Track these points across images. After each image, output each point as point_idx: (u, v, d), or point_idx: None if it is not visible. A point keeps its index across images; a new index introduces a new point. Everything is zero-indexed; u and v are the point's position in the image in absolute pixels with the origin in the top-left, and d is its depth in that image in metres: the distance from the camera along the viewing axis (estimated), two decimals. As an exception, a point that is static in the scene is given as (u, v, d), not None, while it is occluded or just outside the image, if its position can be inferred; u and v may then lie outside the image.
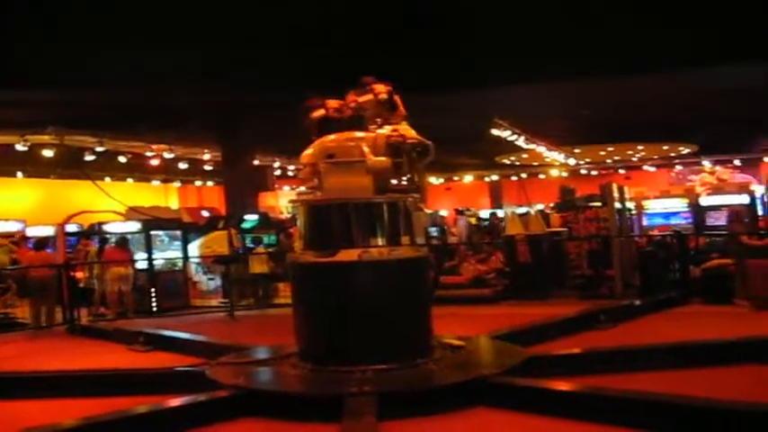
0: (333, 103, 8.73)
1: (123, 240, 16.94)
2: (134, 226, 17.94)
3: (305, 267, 8.21)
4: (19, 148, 22.81)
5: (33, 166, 27.58)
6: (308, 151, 8.47)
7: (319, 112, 8.72)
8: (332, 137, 8.30)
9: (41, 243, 16.23)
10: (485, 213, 33.50)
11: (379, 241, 8.15)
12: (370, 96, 8.66)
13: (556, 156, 36.41)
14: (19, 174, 29.30)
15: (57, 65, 15.83)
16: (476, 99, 21.49)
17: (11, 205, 28.83)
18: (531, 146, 31.29)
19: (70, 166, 26.03)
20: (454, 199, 41.94)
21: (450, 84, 17.56)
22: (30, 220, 26.45)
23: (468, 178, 44.15)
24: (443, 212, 32.47)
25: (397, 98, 8.77)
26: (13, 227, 25.70)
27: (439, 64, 16.28)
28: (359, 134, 8.29)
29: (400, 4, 15.48)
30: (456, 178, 43.84)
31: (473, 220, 28.86)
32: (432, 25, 15.91)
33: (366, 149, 8.07)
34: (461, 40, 16.20)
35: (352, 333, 7.81)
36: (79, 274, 16.50)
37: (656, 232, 18.75)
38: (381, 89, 8.67)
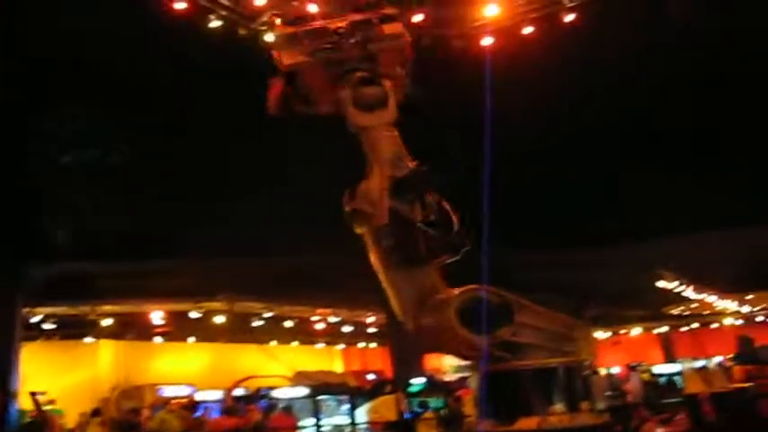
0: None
1: (289, 407, 17.05)
2: (301, 391, 18.09)
3: (480, 438, 7.88)
4: (193, 315, 23.73)
5: (204, 331, 28.56)
6: None
7: None
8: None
9: (229, 411, 16.51)
10: (658, 368, 31.76)
11: (559, 408, 7.74)
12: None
13: (727, 304, 34.53)
14: (190, 339, 30.40)
15: (227, 237, 16.69)
16: (640, 251, 20.92)
17: (181, 370, 29.83)
18: (701, 295, 29.89)
19: (239, 331, 26.86)
20: (624, 353, 40.10)
21: (614, 238, 17.24)
22: (199, 384, 27.22)
23: (637, 331, 42.27)
24: (615, 369, 31.09)
25: None
26: (182, 391, 26.46)
27: (603, 219, 16.08)
28: None
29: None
30: (623, 331, 42.08)
31: (646, 376, 27.38)
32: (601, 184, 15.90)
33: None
34: (625, 193, 16.05)
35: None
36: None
37: None
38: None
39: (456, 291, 6.52)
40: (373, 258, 6.53)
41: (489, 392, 8.08)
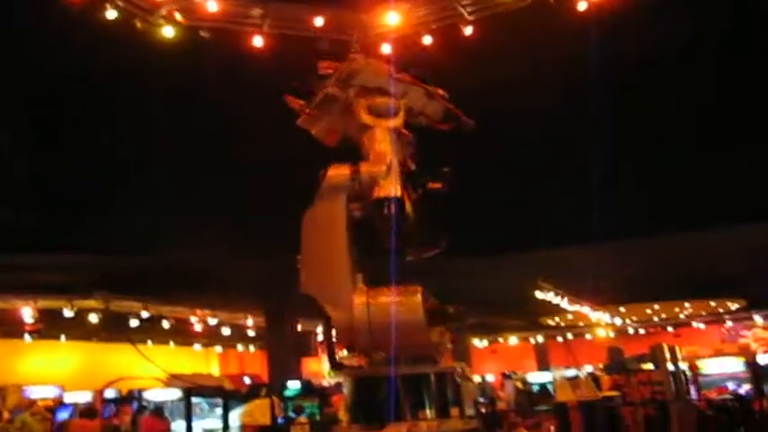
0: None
1: (160, 409, 16.58)
2: (174, 393, 17.63)
3: (351, 443, 7.82)
4: (67, 313, 22.80)
5: (77, 329, 27.53)
6: None
7: None
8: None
9: (90, 412, 15.74)
10: (532, 377, 32.62)
11: (428, 414, 7.76)
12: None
13: (601, 316, 35.79)
14: (62, 337, 29.29)
15: (102, 231, 16.17)
16: (519, 262, 21.41)
17: (49, 370, 28.65)
18: (576, 307, 30.86)
19: (114, 330, 26.01)
20: (500, 362, 40.97)
21: (494, 248, 17.54)
22: (68, 385, 26.13)
23: (514, 340, 43.24)
24: (490, 377, 31.71)
25: None
26: (50, 392, 25.27)
27: (483, 228, 16.31)
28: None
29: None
30: (501, 340, 43.01)
31: (520, 384, 28.06)
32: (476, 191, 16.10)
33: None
34: (504, 205, 16.33)
35: None
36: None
37: (714, 395, 17.93)
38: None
39: (394, 290, 6.37)
40: (334, 238, 6.31)
41: (360, 397, 8.03)
